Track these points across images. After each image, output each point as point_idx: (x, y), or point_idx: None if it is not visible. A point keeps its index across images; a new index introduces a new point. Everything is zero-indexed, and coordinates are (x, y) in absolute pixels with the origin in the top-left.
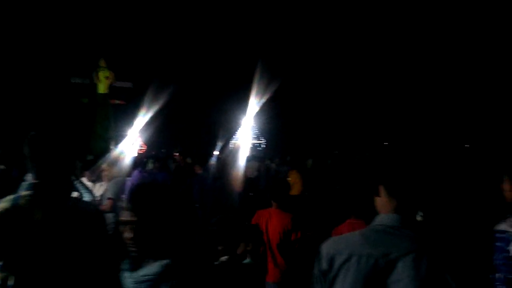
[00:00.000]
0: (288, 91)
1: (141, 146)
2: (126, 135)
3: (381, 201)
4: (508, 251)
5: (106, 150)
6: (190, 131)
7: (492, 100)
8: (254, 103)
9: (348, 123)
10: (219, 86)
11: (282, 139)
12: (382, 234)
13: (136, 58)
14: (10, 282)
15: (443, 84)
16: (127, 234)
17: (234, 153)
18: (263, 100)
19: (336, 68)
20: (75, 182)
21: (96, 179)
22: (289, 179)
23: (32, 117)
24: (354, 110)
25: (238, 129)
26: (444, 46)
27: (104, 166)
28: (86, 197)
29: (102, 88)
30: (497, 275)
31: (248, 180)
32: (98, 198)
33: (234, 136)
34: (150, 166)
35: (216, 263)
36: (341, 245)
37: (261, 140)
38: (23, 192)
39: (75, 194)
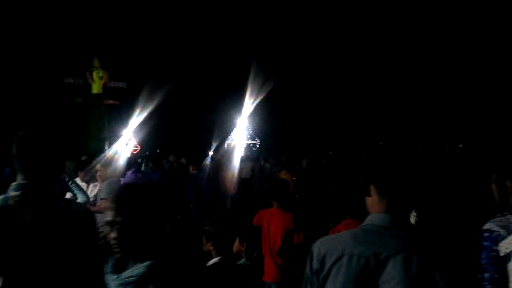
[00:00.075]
0: (282, 91)
1: (135, 147)
2: (120, 135)
3: (372, 201)
4: (495, 251)
5: (100, 150)
6: (184, 132)
7: (486, 101)
8: (249, 103)
9: (343, 123)
10: (214, 86)
11: (276, 139)
12: (373, 233)
13: (130, 58)
14: None
15: (437, 85)
16: (112, 235)
17: (228, 153)
18: (258, 100)
19: (331, 68)
20: (69, 183)
21: (90, 180)
22: None
23: (25, 117)
24: (349, 110)
25: (232, 129)
26: (440, 48)
27: (98, 166)
28: (80, 198)
29: (96, 88)
30: (485, 274)
31: (242, 180)
32: (92, 199)
33: (228, 136)
34: (144, 166)
35: (208, 264)
36: (332, 245)
37: (255, 140)
38: (11, 193)
39: (69, 195)
